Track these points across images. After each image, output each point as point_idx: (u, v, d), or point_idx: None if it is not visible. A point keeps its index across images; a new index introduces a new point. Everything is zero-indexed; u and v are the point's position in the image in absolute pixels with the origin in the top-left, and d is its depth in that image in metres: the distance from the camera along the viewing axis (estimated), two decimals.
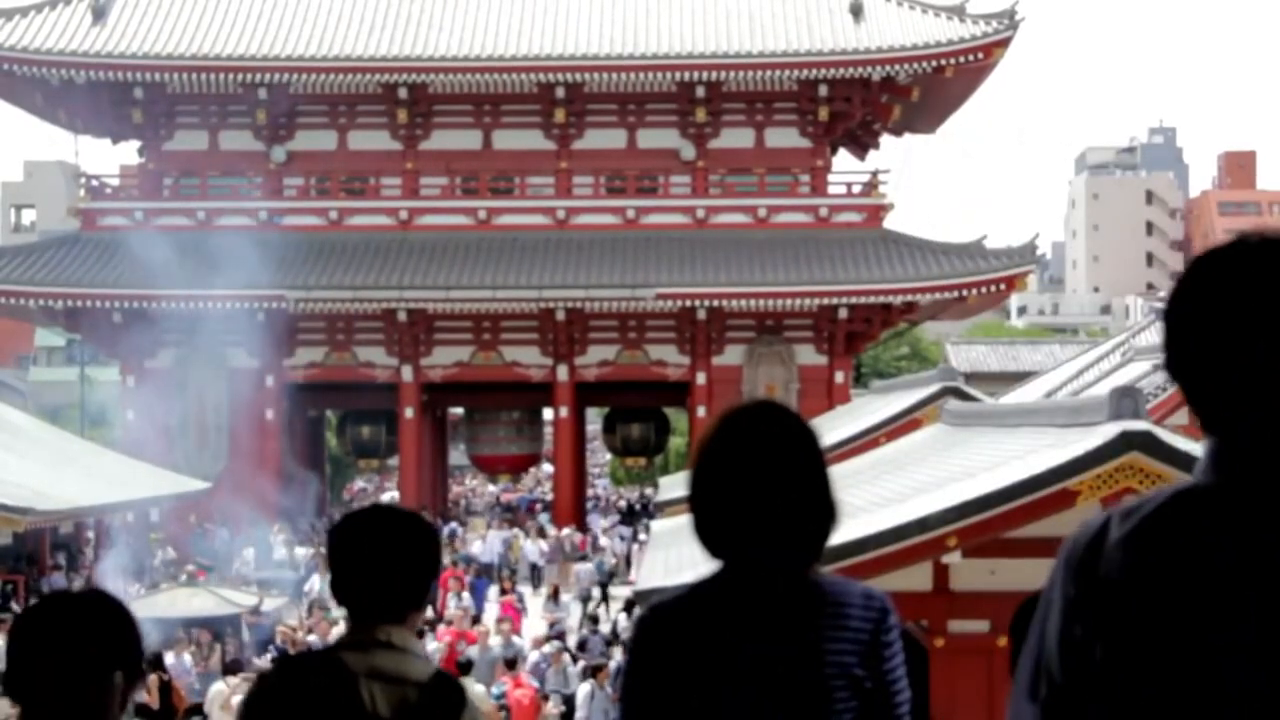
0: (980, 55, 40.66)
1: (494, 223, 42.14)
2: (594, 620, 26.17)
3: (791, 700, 2.83)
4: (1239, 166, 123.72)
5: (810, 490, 2.89)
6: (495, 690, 18.14)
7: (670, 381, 42.30)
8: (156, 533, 34.95)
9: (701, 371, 41.51)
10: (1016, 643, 3.69)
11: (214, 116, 42.92)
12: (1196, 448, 12.53)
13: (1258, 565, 1.93)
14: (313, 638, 21.47)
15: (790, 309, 40.21)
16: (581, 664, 20.51)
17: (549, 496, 50.49)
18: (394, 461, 45.54)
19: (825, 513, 2.90)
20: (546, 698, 18.99)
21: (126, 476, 32.44)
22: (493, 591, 29.86)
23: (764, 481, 2.85)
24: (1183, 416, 21.63)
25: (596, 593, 31.61)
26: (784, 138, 42.95)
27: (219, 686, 17.42)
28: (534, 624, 26.12)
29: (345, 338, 42.25)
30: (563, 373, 41.83)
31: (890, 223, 42.42)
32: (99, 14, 41.81)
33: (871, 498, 15.59)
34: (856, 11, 41.94)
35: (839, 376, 41.48)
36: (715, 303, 40.09)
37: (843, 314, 40.81)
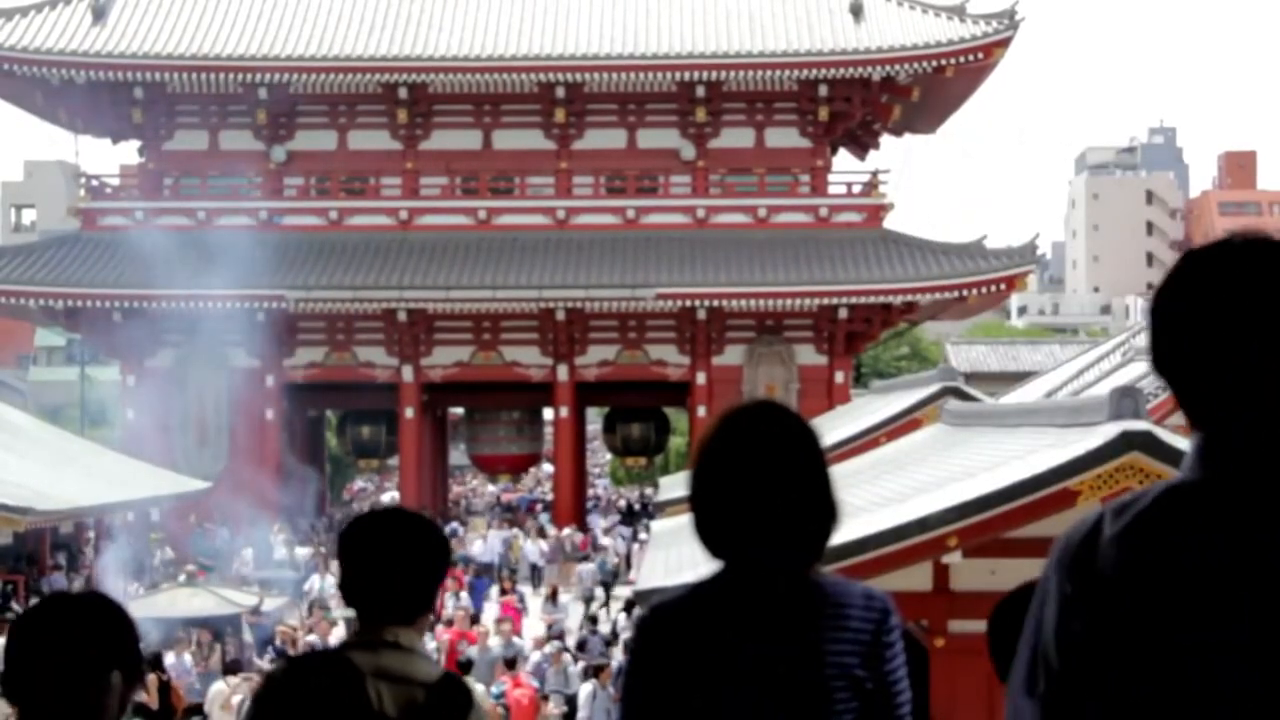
0: (980, 55, 40.67)
1: (494, 223, 42.14)
2: (593, 620, 26.18)
3: (792, 700, 2.83)
4: (1239, 166, 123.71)
5: (811, 490, 2.89)
6: (494, 690, 18.16)
7: (670, 381, 42.30)
8: (156, 532, 34.90)
9: (701, 371, 41.51)
10: (994, 642, 3.65)
11: (214, 116, 42.93)
12: None
13: (1252, 564, 1.93)
14: (313, 638, 21.51)
15: (790, 309, 40.22)
16: (582, 664, 20.53)
17: (549, 496, 50.48)
18: (394, 461, 45.55)
19: (826, 513, 2.90)
20: (546, 698, 19.01)
21: (126, 476, 32.44)
22: (493, 591, 29.88)
23: (764, 481, 2.85)
24: (1182, 416, 21.59)
25: (600, 593, 31.61)
26: (784, 138, 42.95)
27: (219, 686, 17.43)
28: (534, 624, 26.15)
29: (345, 338, 42.24)
30: (563, 373, 41.82)
31: (890, 223, 42.48)
32: (99, 14, 41.80)
33: (871, 498, 15.59)
34: (856, 11, 41.95)
35: (839, 376, 41.49)
36: (715, 303, 40.09)
37: (843, 314, 40.81)
